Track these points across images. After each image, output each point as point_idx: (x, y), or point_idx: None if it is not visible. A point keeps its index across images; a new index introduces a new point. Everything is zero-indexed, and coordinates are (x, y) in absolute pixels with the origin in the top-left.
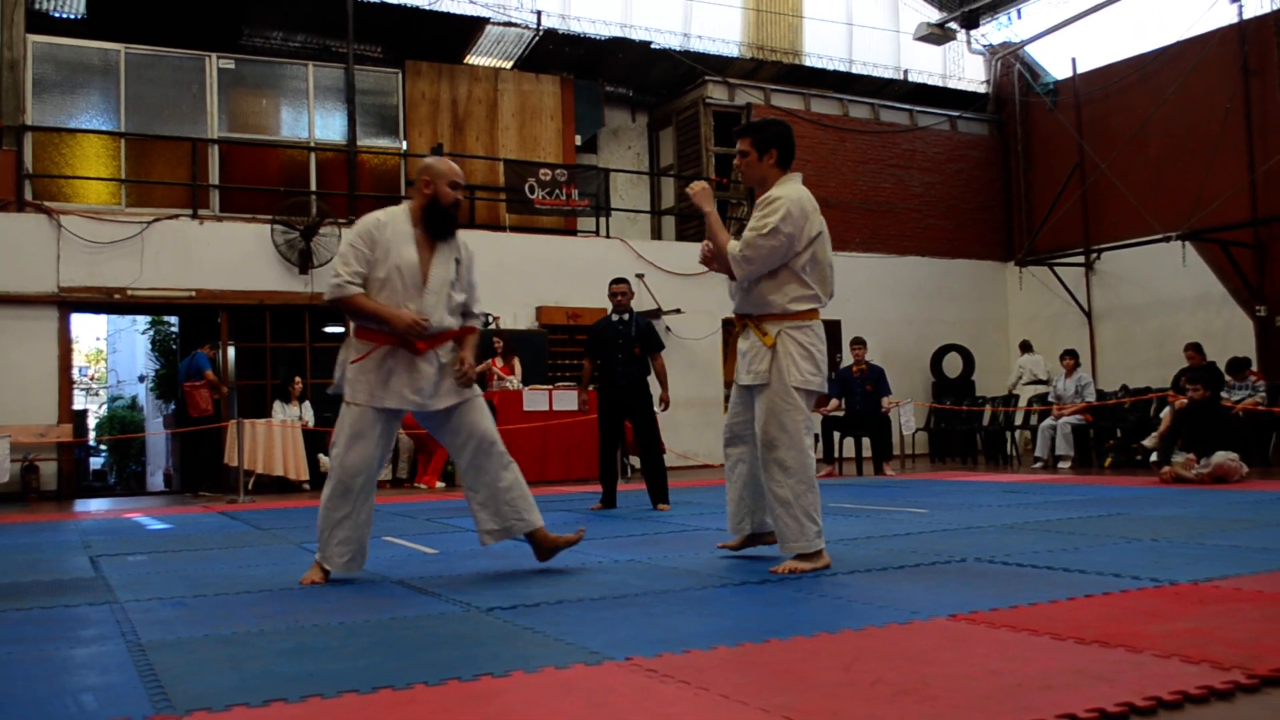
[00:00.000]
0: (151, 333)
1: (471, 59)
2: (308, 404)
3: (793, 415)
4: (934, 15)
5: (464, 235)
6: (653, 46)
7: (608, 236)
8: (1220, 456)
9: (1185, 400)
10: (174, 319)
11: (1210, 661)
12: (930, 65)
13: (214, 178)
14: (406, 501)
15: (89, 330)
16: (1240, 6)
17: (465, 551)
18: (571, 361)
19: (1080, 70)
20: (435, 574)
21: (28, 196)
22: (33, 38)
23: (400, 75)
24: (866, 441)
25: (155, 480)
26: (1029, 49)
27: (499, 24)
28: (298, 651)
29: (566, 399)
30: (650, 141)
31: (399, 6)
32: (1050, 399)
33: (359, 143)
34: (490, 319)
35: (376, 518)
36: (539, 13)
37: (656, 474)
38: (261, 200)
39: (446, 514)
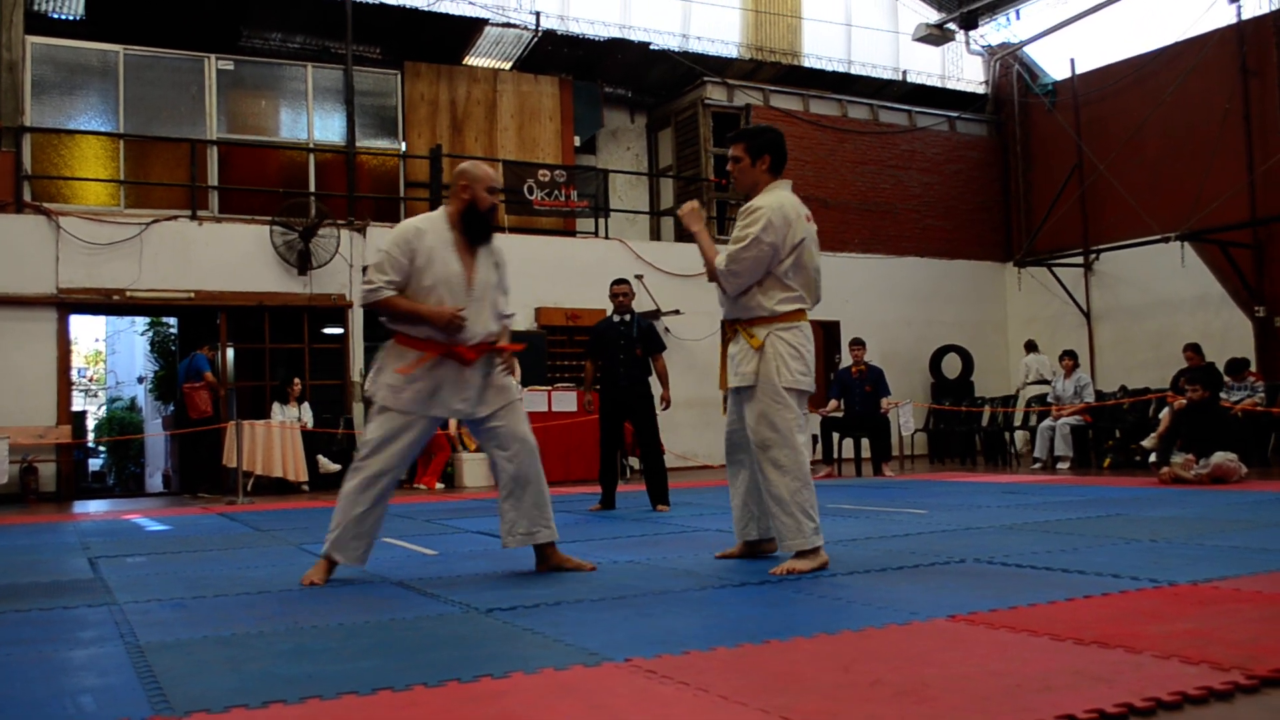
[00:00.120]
0: (150, 334)
1: (470, 60)
2: (306, 405)
3: (783, 414)
4: (933, 16)
5: None
6: (652, 47)
7: (606, 237)
8: (1219, 457)
9: (1184, 401)
10: (173, 320)
11: (1209, 662)
12: (929, 66)
13: (213, 179)
14: (406, 503)
15: (88, 331)
16: (1239, 7)
17: (465, 553)
18: (570, 363)
19: (1079, 71)
20: (435, 575)
21: (26, 198)
22: (31, 39)
23: (399, 76)
24: (866, 442)
25: (154, 482)
26: (1028, 50)
27: (498, 25)
28: (297, 653)
29: (565, 400)
30: (649, 142)
31: (398, 8)
32: (1049, 400)
33: (358, 144)
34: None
35: None
36: (538, 14)
37: (657, 475)
38: (260, 201)
39: (446, 515)
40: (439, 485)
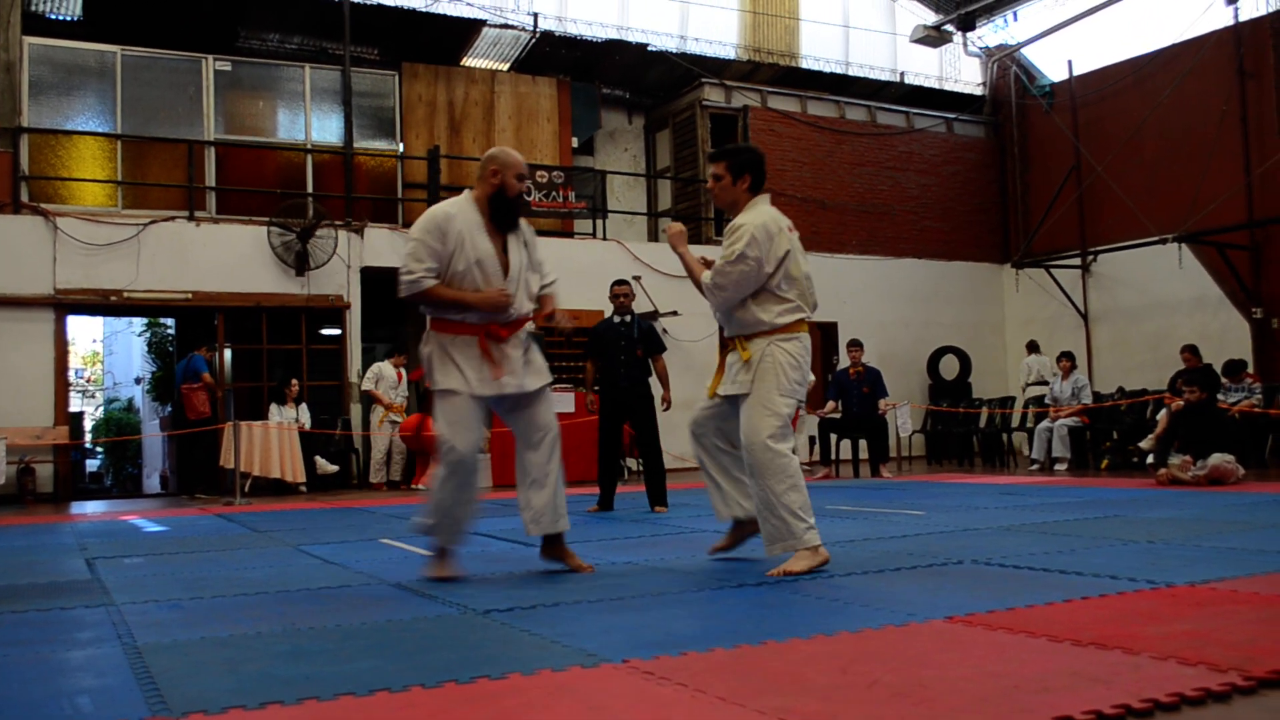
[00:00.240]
0: (148, 335)
1: (468, 61)
2: (304, 406)
3: (771, 421)
4: (930, 17)
5: None
6: (649, 49)
7: (604, 239)
8: (1216, 458)
9: (1181, 402)
10: (170, 321)
11: (1207, 663)
12: (927, 67)
13: (210, 180)
14: (403, 504)
15: (85, 332)
16: (1236, 9)
17: (462, 554)
18: (567, 363)
19: (1076, 72)
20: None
21: (24, 198)
22: (29, 39)
23: (397, 77)
24: (863, 444)
25: (151, 482)
26: (1025, 51)
27: (496, 26)
28: (294, 654)
29: (563, 401)
30: (647, 143)
31: (396, 9)
32: (1047, 401)
33: (355, 145)
34: None
35: (372, 519)
36: (536, 15)
37: (656, 476)
38: (258, 202)
39: None
40: None
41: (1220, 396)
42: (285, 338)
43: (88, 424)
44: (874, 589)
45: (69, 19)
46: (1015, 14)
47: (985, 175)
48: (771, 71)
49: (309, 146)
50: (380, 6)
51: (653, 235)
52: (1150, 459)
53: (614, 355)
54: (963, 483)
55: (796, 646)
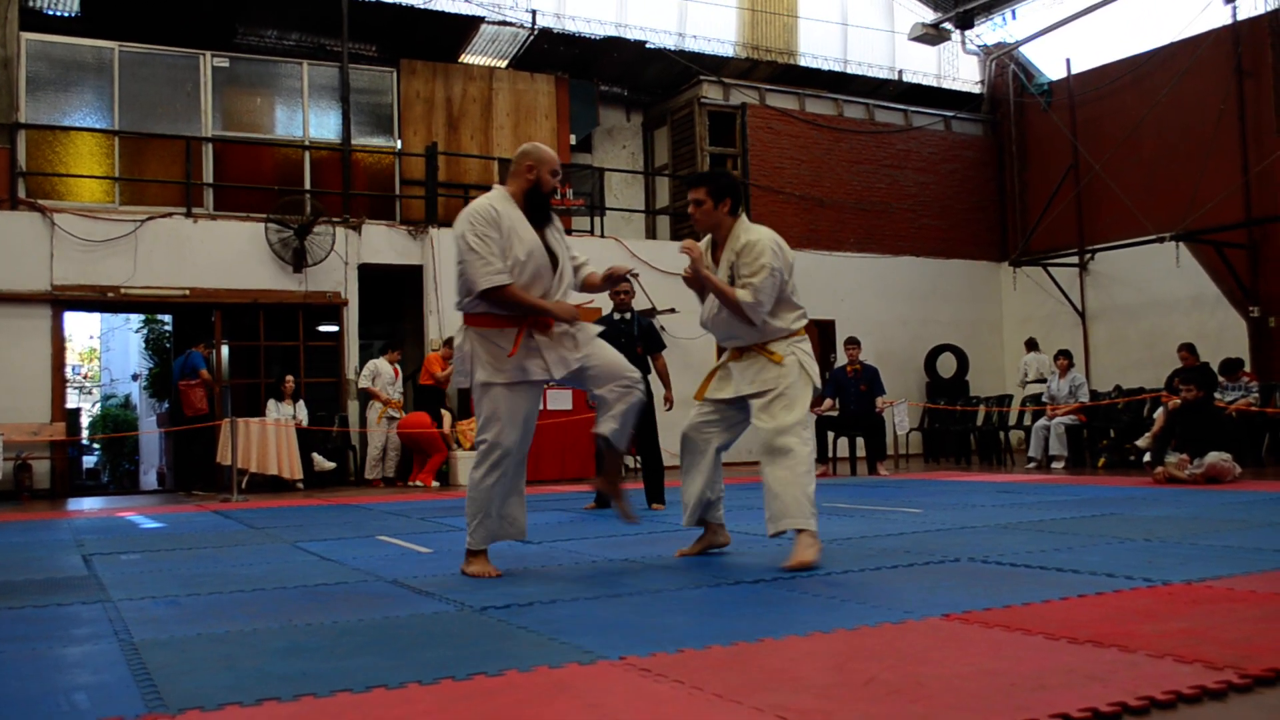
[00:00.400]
0: (145, 331)
1: (466, 58)
2: (302, 403)
3: (798, 413)
4: (929, 15)
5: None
6: (648, 46)
7: (602, 236)
8: (1213, 457)
9: (1179, 401)
10: (168, 317)
11: (1203, 661)
12: (925, 65)
13: (208, 176)
14: (401, 500)
15: (82, 328)
16: (1234, 8)
17: (459, 551)
18: None
19: (1075, 71)
20: (429, 573)
21: (21, 194)
22: (26, 35)
23: (395, 74)
24: (860, 441)
25: (148, 479)
26: (1023, 50)
27: (494, 23)
28: (291, 650)
29: (561, 398)
30: (645, 141)
31: (394, 5)
32: (1044, 399)
33: (353, 141)
34: None
35: (369, 516)
36: (534, 12)
37: (654, 473)
38: (256, 199)
39: (441, 513)
40: (434, 484)
41: (1217, 395)
42: (283, 334)
43: (85, 420)
44: (871, 586)
45: (67, 15)
46: (1014, 12)
47: (983, 173)
48: (770, 69)
49: (307, 143)
50: (378, 3)
51: (650, 233)
52: (1147, 457)
53: None
54: (960, 481)
55: (793, 644)
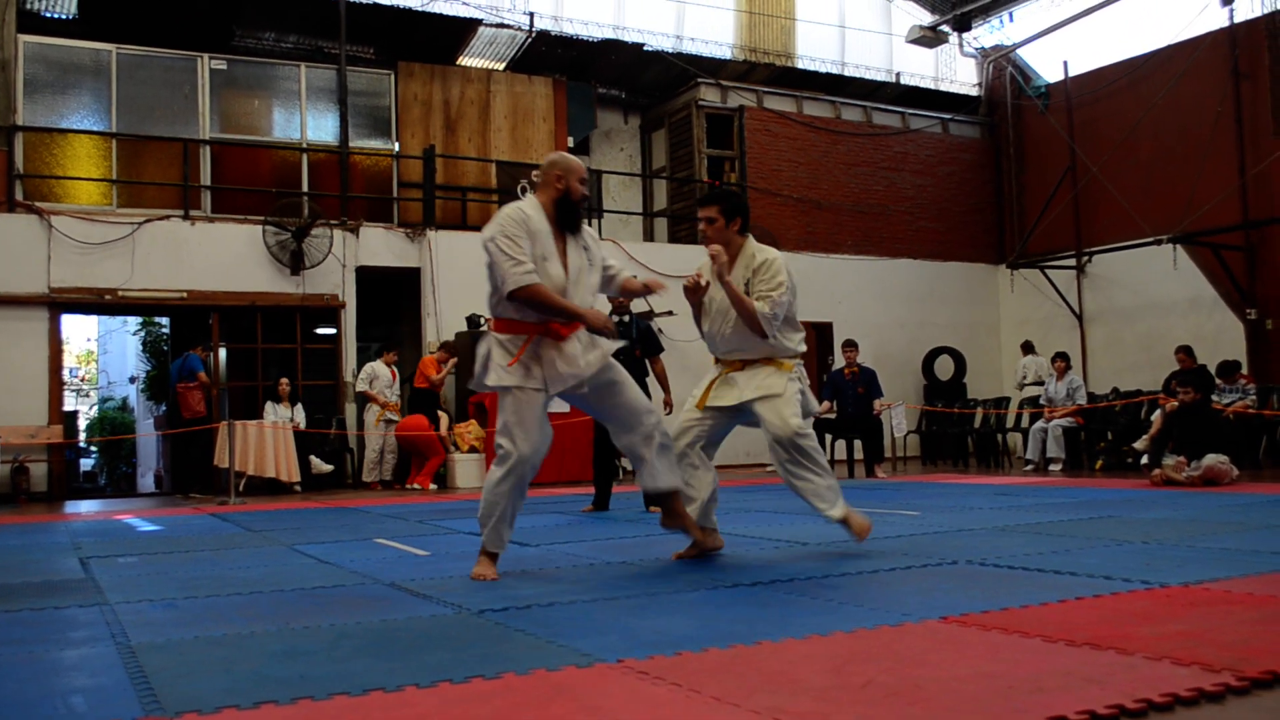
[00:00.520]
0: (142, 334)
1: (464, 60)
2: (299, 405)
3: (799, 412)
4: (926, 18)
5: (456, 237)
6: (645, 49)
7: (600, 238)
8: (1211, 459)
9: (1176, 403)
10: (165, 320)
11: (1201, 664)
12: (922, 68)
13: (206, 178)
14: (398, 503)
15: (80, 331)
16: (1231, 10)
17: (457, 554)
18: None
19: (1072, 73)
20: (427, 576)
21: (18, 197)
22: (24, 38)
23: (392, 76)
24: (858, 444)
25: (146, 482)
26: (1021, 52)
27: (491, 25)
28: (288, 654)
29: (558, 400)
30: (643, 143)
31: (391, 8)
32: (1042, 401)
33: (351, 144)
34: (484, 321)
35: (367, 519)
36: (531, 14)
37: None
38: (253, 201)
39: (438, 516)
40: (432, 486)
41: (1214, 397)
42: (280, 337)
43: (82, 423)
44: (868, 589)
45: (64, 17)
46: (1011, 15)
47: (981, 176)
48: (767, 71)
49: (304, 145)
50: (376, 5)
51: (648, 235)
52: (1145, 460)
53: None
54: (957, 483)
55: (791, 646)
